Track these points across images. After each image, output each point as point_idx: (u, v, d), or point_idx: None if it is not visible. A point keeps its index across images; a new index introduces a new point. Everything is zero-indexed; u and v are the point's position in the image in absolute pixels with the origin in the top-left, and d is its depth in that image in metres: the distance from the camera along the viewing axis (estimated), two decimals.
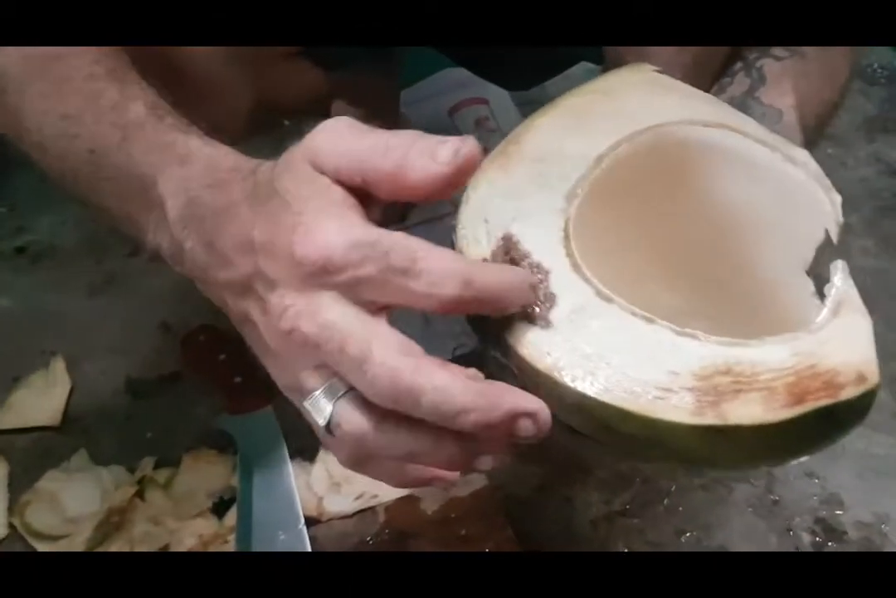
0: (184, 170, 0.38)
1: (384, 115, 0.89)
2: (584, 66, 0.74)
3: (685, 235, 0.42)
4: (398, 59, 0.81)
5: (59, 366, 0.80)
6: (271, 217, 0.34)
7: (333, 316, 0.33)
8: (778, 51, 0.54)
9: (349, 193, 0.34)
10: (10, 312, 0.88)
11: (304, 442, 0.71)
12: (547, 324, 0.36)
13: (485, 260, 0.37)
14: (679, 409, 0.33)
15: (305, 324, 0.33)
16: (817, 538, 0.65)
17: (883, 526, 0.65)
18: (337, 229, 0.32)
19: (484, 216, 0.32)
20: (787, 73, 0.56)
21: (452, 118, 0.98)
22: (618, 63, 0.55)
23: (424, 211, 0.82)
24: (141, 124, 0.41)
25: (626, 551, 0.64)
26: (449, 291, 0.32)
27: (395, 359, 0.32)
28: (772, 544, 0.65)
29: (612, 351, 0.35)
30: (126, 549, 0.65)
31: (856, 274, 0.87)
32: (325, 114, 0.85)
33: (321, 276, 0.32)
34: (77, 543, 0.66)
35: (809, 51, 0.54)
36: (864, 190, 0.94)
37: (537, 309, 0.36)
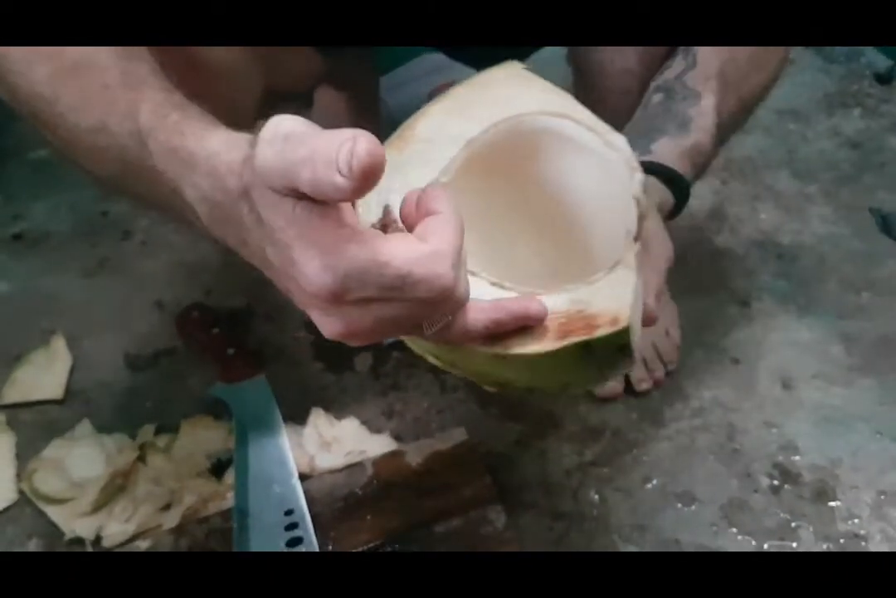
0: (194, 177, 0.41)
1: (364, 99, 0.93)
2: (551, 49, 0.79)
3: (540, 206, 0.49)
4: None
5: (59, 343, 0.84)
6: (271, 240, 0.37)
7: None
8: None
9: (315, 204, 0.36)
10: (9, 295, 0.91)
11: (296, 407, 0.75)
12: None
13: (373, 225, 0.42)
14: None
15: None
16: (774, 482, 0.70)
17: (835, 469, 0.70)
18: (322, 266, 0.35)
19: (378, 189, 0.37)
20: (715, 58, 0.60)
21: None
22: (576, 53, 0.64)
23: None
24: (149, 130, 0.43)
25: (597, 497, 0.69)
26: (443, 295, 0.36)
27: None
28: (732, 487, 0.69)
29: None
30: (130, 507, 0.69)
31: (815, 240, 0.91)
32: (310, 98, 0.89)
33: (334, 301, 0.36)
34: (83, 504, 0.70)
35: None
36: (823, 162, 0.98)
37: None
